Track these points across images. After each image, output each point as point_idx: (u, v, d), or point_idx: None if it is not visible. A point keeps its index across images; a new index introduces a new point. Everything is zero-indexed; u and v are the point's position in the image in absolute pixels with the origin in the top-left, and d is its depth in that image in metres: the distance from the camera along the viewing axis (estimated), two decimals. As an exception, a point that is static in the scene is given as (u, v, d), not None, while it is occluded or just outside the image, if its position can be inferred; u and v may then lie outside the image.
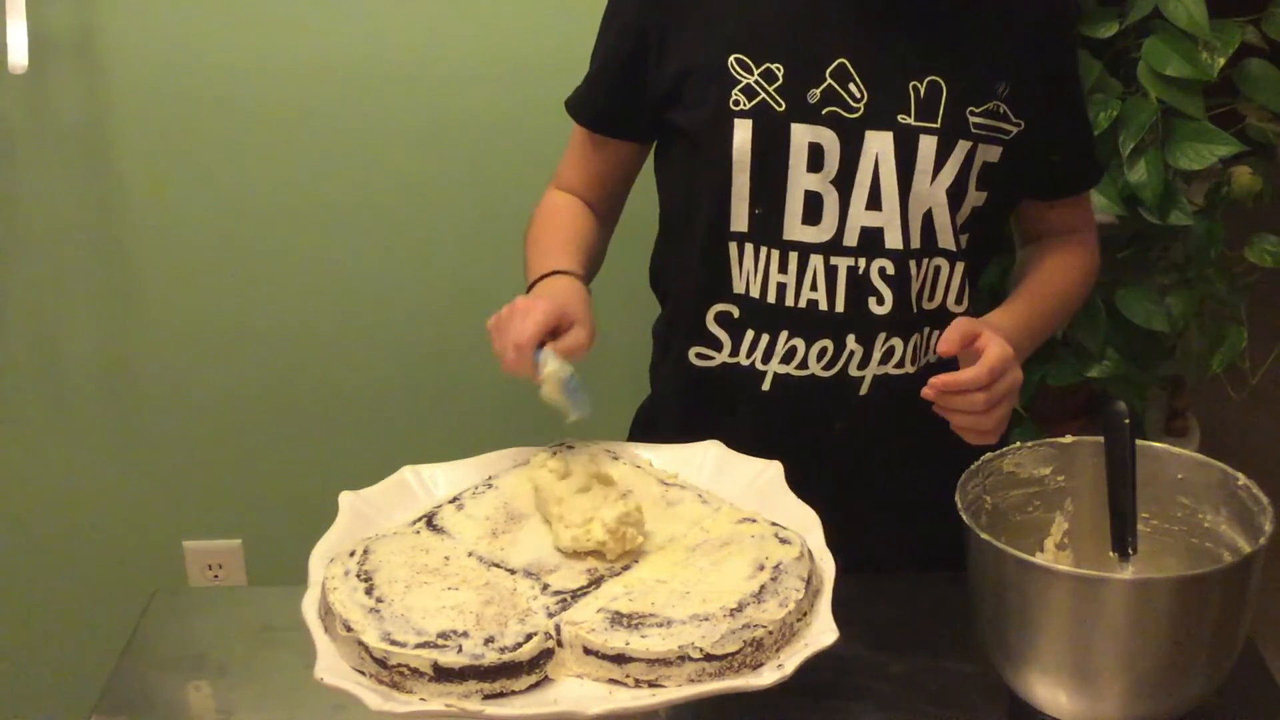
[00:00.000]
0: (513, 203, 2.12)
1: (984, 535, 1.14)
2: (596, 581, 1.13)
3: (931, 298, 1.39)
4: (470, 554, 1.16)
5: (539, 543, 1.17)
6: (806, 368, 1.38)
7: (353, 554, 1.14)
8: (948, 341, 1.26)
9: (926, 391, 1.24)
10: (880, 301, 1.36)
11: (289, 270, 2.13)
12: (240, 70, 2.01)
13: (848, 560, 1.17)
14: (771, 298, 1.36)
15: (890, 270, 1.35)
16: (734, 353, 1.40)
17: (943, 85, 1.33)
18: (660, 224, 1.51)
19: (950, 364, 1.40)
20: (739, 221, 1.35)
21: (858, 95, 1.32)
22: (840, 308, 1.36)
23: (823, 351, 1.37)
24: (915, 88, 1.33)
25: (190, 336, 2.15)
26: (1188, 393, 2.64)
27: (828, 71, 1.32)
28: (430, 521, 1.20)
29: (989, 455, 1.25)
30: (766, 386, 1.39)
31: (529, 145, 2.08)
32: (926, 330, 1.40)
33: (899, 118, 1.33)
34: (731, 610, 1.06)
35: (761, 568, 1.11)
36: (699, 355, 1.42)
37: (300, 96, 2.03)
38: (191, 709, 1.27)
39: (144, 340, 2.15)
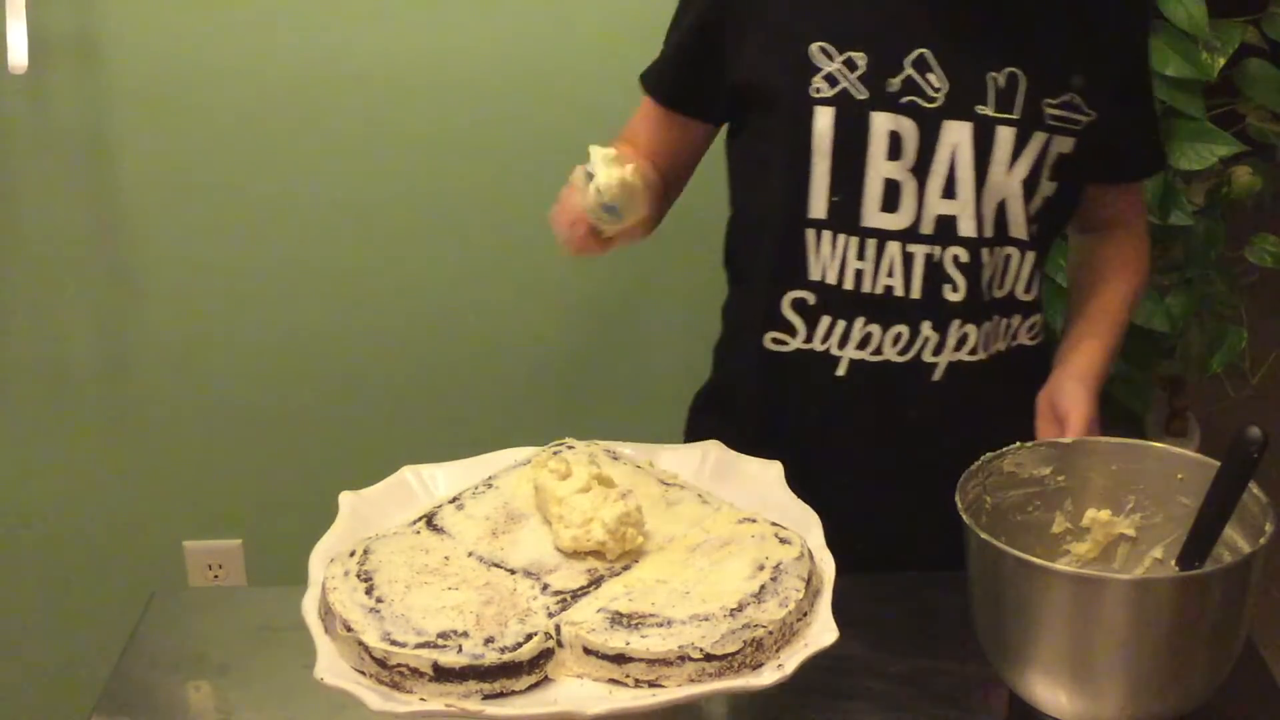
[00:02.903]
0: (512, 204, 2.13)
1: (984, 535, 1.14)
2: (596, 581, 1.13)
3: (1001, 286, 1.41)
4: (470, 554, 1.16)
5: (539, 543, 1.17)
6: (881, 354, 1.39)
7: (353, 554, 1.14)
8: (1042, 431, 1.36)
9: None
10: (954, 289, 1.37)
11: (289, 271, 2.13)
12: (240, 71, 2.01)
13: (897, 551, 1.18)
14: (849, 284, 1.37)
15: (964, 258, 1.37)
16: (809, 339, 1.40)
17: (1021, 77, 1.34)
18: (732, 208, 1.51)
19: (1020, 353, 1.45)
20: (817, 209, 1.36)
21: (937, 85, 1.33)
22: (916, 294, 1.37)
23: (898, 337, 1.38)
24: (994, 79, 1.34)
25: (190, 337, 2.15)
26: (1188, 393, 2.64)
27: (908, 61, 1.33)
28: (430, 521, 1.20)
29: (989, 455, 1.25)
30: (842, 372, 1.39)
31: (529, 148, 2.09)
32: (996, 318, 1.41)
33: (977, 108, 1.34)
34: (731, 610, 1.06)
35: (761, 568, 1.11)
36: (774, 340, 1.42)
37: (300, 97, 2.03)
38: (191, 709, 1.27)
39: (144, 340, 2.15)
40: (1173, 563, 1.20)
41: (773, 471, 1.27)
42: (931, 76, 1.33)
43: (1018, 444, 1.28)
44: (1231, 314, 2.12)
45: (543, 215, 2.12)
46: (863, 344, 1.38)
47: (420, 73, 2.03)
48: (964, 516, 1.16)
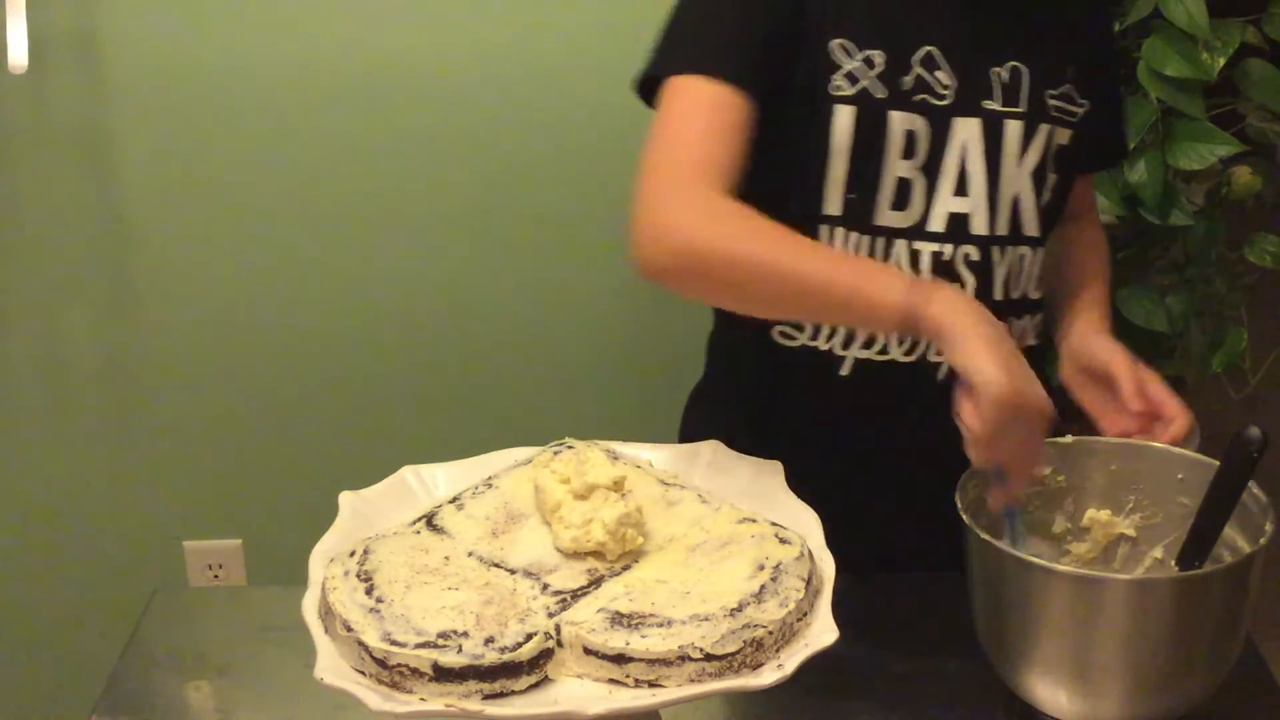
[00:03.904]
0: (513, 204, 2.13)
1: (984, 535, 1.14)
2: (596, 581, 1.13)
3: (1017, 286, 1.40)
4: (470, 554, 1.16)
5: (539, 543, 1.17)
6: (887, 353, 1.37)
7: (353, 554, 1.13)
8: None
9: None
10: (962, 287, 1.36)
11: (289, 270, 2.13)
12: (240, 70, 2.01)
13: (893, 551, 1.17)
14: None
15: (975, 256, 1.36)
16: (814, 335, 1.39)
17: (1023, 70, 1.35)
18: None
19: (1025, 354, 1.41)
20: (832, 206, 1.34)
21: (946, 83, 1.33)
22: None
23: (904, 336, 1.36)
24: (998, 73, 1.35)
25: (190, 337, 2.15)
26: (1188, 393, 2.63)
27: (916, 59, 1.33)
28: (430, 521, 1.20)
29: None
30: (845, 371, 1.39)
31: (530, 146, 2.09)
32: (1010, 320, 1.40)
33: (984, 104, 1.34)
34: (731, 610, 1.06)
35: (761, 568, 1.10)
36: (782, 334, 1.41)
37: (300, 96, 2.03)
38: (191, 709, 1.27)
39: (144, 341, 2.15)
40: (1173, 563, 1.20)
41: (773, 471, 1.27)
42: (940, 74, 1.33)
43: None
44: (1231, 314, 2.12)
45: (544, 214, 2.14)
46: (868, 343, 1.37)
47: (421, 71, 2.03)
48: (964, 516, 1.16)
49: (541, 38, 2.02)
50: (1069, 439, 1.29)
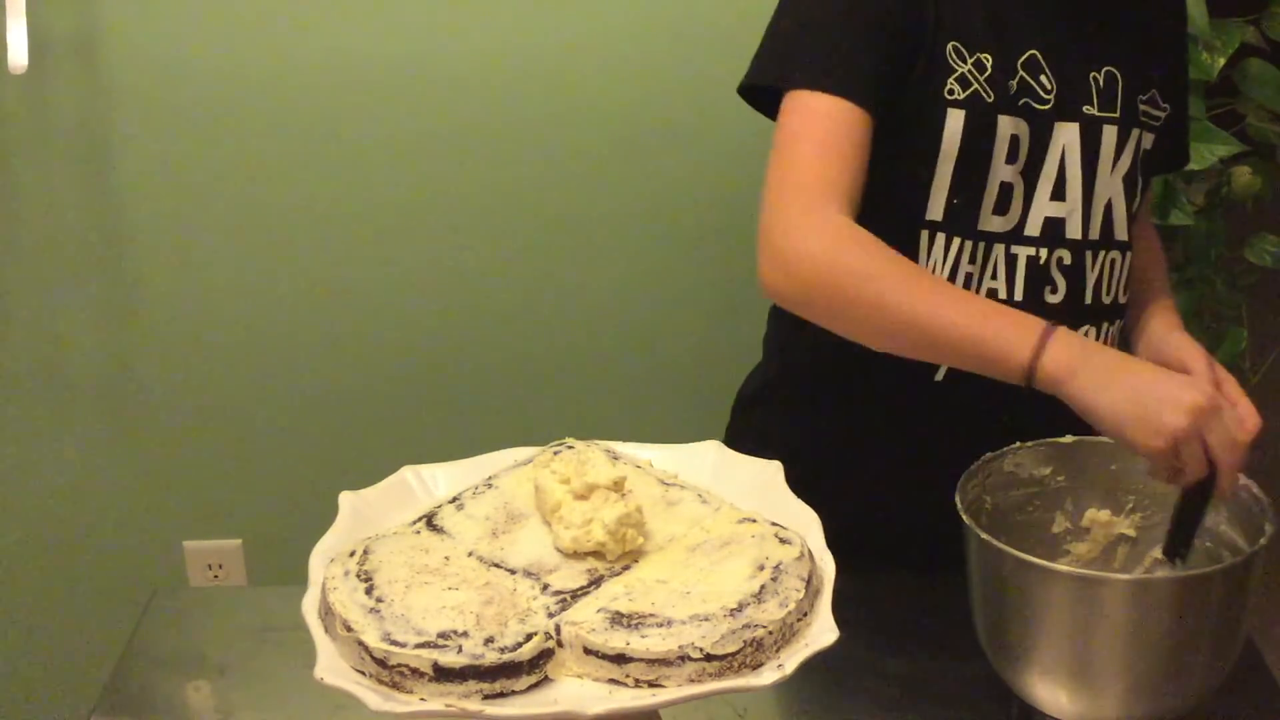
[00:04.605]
0: (512, 204, 2.13)
1: (984, 535, 1.14)
2: (596, 581, 1.13)
3: (1108, 291, 1.39)
4: (470, 554, 1.16)
5: (539, 543, 1.17)
6: None
7: (353, 554, 1.13)
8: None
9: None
10: (1054, 291, 1.36)
11: (289, 270, 2.13)
12: (240, 70, 2.01)
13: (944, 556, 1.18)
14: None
15: (1067, 260, 1.36)
16: None
17: (1118, 75, 1.36)
18: None
19: None
20: (935, 211, 1.33)
21: (1048, 87, 1.33)
22: (1019, 296, 1.35)
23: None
24: (1095, 78, 1.35)
25: (190, 337, 2.15)
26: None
27: (1020, 63, 1.32)
28: (430, 521, 1.20)
29: (989, 455, 1.25)
30: (940, 376, 1.37)
31: (530, 150, 2.09)
32: (1102, 324, 1.39)
33: (1084, 109, 1.34)
34: (731, 610, 1.06)
35: (761, 568, 1.10)
36: None
37: (300, 97, 2.03)
38: (191, 709, 1.27)
39: (144, 340, 2.16)
40: (1160, 554, 1.20)
41: (772, 471, 1.27)
42: (1043, 78, 1.32)
43: (1017, 444, 1.28)
44: (1231, 314, 2.12)
45: (542, 215, 2.14)
46: None
47: (421, 74, 2.03)
48: (964, 517, 1.17)
49: (547, 40, 2.02)
50: (1069, 439, 1.29)
